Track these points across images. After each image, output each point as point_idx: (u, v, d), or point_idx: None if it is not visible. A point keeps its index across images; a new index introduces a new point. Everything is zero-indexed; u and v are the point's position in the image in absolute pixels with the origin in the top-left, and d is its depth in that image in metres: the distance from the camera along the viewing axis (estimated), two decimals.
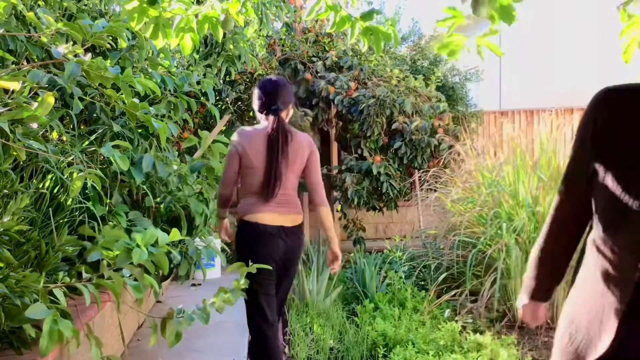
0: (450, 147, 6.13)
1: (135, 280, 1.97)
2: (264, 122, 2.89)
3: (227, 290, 2.21)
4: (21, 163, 2.62)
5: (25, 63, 2.90)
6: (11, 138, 2.01)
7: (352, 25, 2.08)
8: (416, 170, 6.30)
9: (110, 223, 2.80)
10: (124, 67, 3.31)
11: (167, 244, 1.99)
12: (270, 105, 2.85)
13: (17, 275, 1.98)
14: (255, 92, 2.96)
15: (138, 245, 1.88)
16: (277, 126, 2.81)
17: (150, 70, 3.47)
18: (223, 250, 3.61)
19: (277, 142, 2.79)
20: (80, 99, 2.65)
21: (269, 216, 2.79)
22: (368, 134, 6.43)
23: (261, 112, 2.92)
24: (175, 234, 1.99)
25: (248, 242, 2.81)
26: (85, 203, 2.83)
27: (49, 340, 1.70)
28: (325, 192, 2.94)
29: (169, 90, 3.61)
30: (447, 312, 4.03)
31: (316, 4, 2.05)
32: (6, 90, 2.11)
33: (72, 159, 2.67)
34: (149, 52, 3.53)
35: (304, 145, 2.89)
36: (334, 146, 7.33)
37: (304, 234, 3.00)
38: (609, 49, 7.74)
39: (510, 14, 1.84)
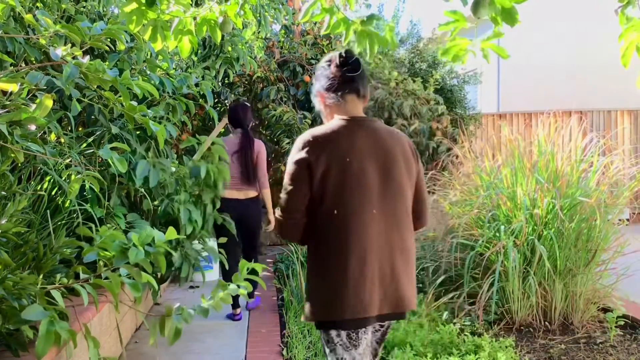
0: (449, 149, 6.13)
1: (133, 279, 1.97)
2: (236, 132, 4.54)
3: (225, 285, 2.20)
4: (19, 165, 2.62)
5: (23, 65, 2.90)
6: (9, 140, 2.01)
7: (346, 28, 2.07)
8: None
9: (109, 225, 2.80)
10: (122, 69, 3.31)
11: (168, 246, 1.99)
12: (242, 124, 4.54)
13: (15, 277, 1.97)
14: (230, 112, 4.61)
15: (135, 245, 1.87)
16: (247, 138, 4.48)
17: (148, 72, 3.47)
18: (220, 252, 3.62)
19: (247, 148, 4.44)
20: (79, 101, 2.65)
21: (229, 193, 4.31)
22: None
23: (235, 127, 4.56)
24: (172, 233, 1.98)
25: (221, 209, 4.00)
26: (83, 205, 2.83)
27: (45, 342, 1.69)
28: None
29: (168, 92, 3.61)
30: (445, 315, 4.03)
31: (311, 5, 2.05)
32: (4, 92, 2.11)
33: (70, 161, 2.67)
34: (147, 54, 3.53)
35: (257, 148, 4.48)
36: None
37: (258, 203, 4.54)
38: (608, 52, 7.75)
39: (513, 16, 1.84)
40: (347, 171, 1.98)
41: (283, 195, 2.04)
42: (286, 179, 2.04)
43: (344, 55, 2.07)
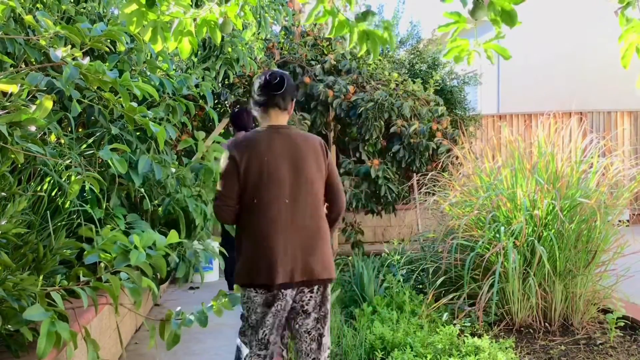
0: (449, 150, 6.13)
1: (133, 283, 1.96)
2: (240, 135, 4.67)
3: (226, 294, 2.22)
4: (19, 166, 2.62)
5: (23, 66, 2.90)
6: (9, 141, 2.01)
7: (350, 30, 2.07)
8: (414, 174, 6.30)
9: (109, 226, 2.79)
10: (122, 70, 3.31)
11: (166, 247, 1.99)
12: (246, 127, 4.91)
13: (15, 278, 1.97)
14: (236, 115, 5.13)
15: (136, 247, 1.87)
16: None
17: (148, 73, 3.46)
18: (221, 252, 3.61)
19: None
20: (79, 102, 2.64)
21: None
22: (366, 138, 6.43)
23: (238, 130, 5.02)
24: (174, 237, 1.98)
25: None
26: (83, 206, 2.83)
27: (46, 342, 1.69)
28: None
29: (168, 93, 3.60)
30: (445, 316, 4.03)
31: (314, 8, 2.04)
32: (4, 93, 2.11)
33: (70, 162, 2.67)
34: (147, 55, 3.53)
35: None
36: (333, 149, 7.34)
37: None
38: (608, 52, 7.75)
39: (513, 17, 1.84)
40: (264, 168, 2.49)
41: (218, 186, 2.62)
42: (221, 173, 2.60)
43: (267, 77, 2.56)
